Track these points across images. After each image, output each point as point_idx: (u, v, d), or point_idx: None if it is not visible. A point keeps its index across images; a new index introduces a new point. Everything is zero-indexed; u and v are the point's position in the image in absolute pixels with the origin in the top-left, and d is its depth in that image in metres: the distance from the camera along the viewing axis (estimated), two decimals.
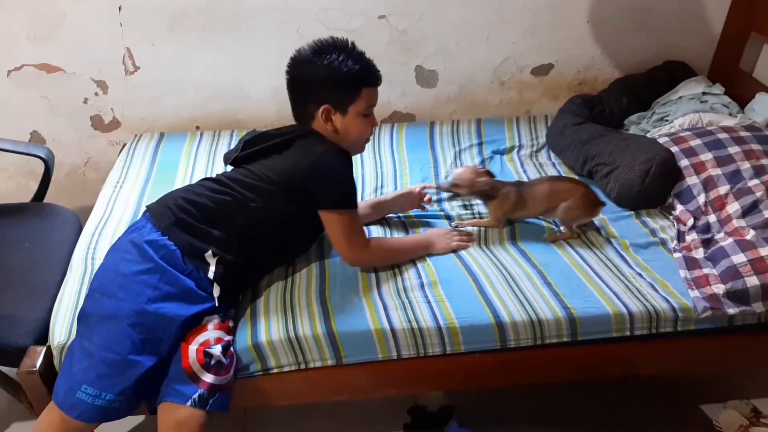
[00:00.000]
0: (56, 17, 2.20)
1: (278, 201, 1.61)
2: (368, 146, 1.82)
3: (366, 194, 2.10)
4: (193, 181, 2.06)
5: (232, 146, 2.32)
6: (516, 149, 2.36)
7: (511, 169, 2.25)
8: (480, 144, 2.39)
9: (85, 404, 1.40)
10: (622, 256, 1.82)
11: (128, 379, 1.42)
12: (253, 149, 1.69)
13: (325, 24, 2.32)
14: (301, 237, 1.76)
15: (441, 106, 2.57)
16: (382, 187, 2.15)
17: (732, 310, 1.64)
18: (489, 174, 1.89)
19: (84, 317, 1.51)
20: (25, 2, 2.17)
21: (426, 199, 1.98)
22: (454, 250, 1.82)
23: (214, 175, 1.75)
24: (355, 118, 1.64)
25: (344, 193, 1.63)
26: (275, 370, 1.62)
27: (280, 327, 1.59)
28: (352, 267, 1.74)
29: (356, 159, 2.00)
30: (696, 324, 1.68)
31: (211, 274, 1.55)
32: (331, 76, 1.58)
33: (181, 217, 1.57)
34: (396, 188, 2.14)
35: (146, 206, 1.65)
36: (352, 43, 1.62)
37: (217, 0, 2.23)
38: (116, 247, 1.60)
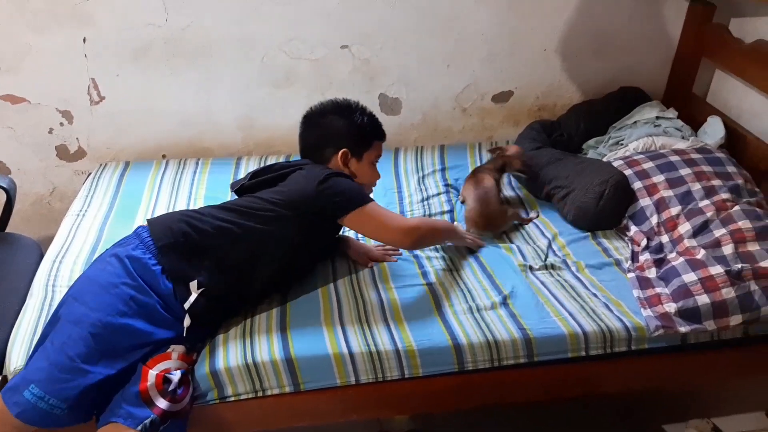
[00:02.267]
0: (21, 49, 2.22)
1: (283, 223, 1.65)
2: None
3: None
4: (156, 213, 2.11)
5: (197, 175, 2.35)
6: None
7: None
8: (443, 169, 2.43)
9: (28, 404, 1.38)
10: (577, 277, 1.86)
11: (75, 388, 1.40)
12: (259, 179, 1.77)
13: (289, 54, 2.36)
14: (295, 271, 1.79)
15: (405, 132, 2.61)
16: None
17: (684, 329, 1.68)
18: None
19: (53, 320, 1.52)
20: None
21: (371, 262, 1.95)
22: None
23: (189, 207, 1.77)
24: (368, 165, 1.86)
25: (355, 193, 1.71)
26: (232, 398, 1.62)
27: (238, 353, 1.59)
28: (411, 250, 1.92)
29: None
30: (650, 343, 1.71)
31: (187, 304, 1.56)
32: (352, 127, 1.81)
33: (180, 240, 1.59)
34: None
35: (147, 220, 1.67)
36: (364, 105, 1.88)
37: (181, 31, 2.26)
38: (100, 258, 1.63)
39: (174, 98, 2.40)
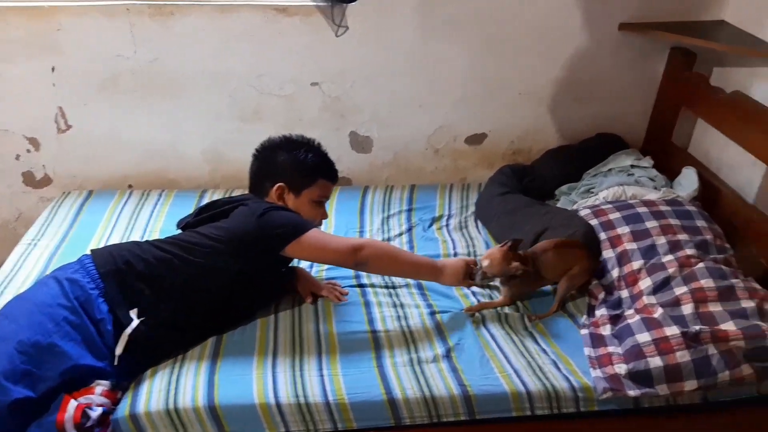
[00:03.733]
0: None
1: (224, 259, 1.64)
2: None
3: None
4: (109, 242, 2.07)
5: (159, 206, 2.33)
6: (445, 217, 2.34)
7: (438, 238, 2.22)
8: (410, 210, 2.37)
9: None
10: (530, 331, 1.78)
11: None
12: (204, 215, 1.76)
13: (258, 89, 2.34)
14: (238, 306, 1.75)
15: (377, 171, 2.57)
16: None
17: (633, 392, 1.58)
18: (515, 244, 1.80)
19: None
20: None
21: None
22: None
23: (144, 239, 1.81)
24: (307, 203, 1.80)
25: (293, 223, 1.68)
26: None
27: (161, 397, 1.53)
28: (357, 269, 1.86)
29: None
30: (600, 405, 1.62)
31: (129, 329, 1.55)
32: (293, 162, 1.78)
33: (122, 267, 1.59)
34: None
35: (91, 250, 1.68)
36: (318, 143, 1.85)
37: (149, 63, 2.26)
38: (39, 281, 1.64)
39: (141, 129, 2.39)
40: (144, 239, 2.06)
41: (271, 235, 1.64)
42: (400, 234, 2.24)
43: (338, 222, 2.28)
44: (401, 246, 2.16)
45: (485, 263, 1.78)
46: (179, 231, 1.81)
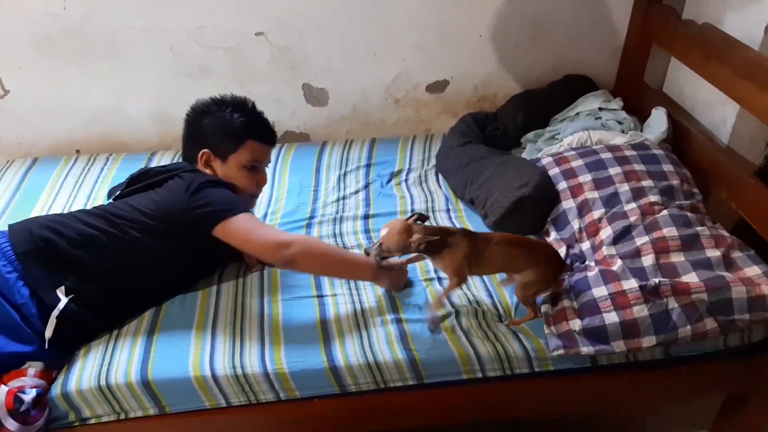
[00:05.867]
0: None
1: (156, 235, 1.53)
2: None
3: None
4: (51, 211, 1.98)
5: (106, 170, 2.23)
6: (405, 172, 2.23)
7: (396, 193, 2.12)
8: (368, 166, 2.26)
9: None
10: (488, 290, 1.69)
11: None
12: (137, 185, 1.64)
13: (200, 42, 2.20)
14: (168, 285, 1.66)
15: (335, 125, 2.45)
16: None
17: (587, 349, 1.51)
18: (422, 218, 1.55)
19: None
20: None
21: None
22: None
23: (87, 206, 1.71)
24: (237, 169, 1.65)
25: (223, 203, 1.53)
26: (93, 420, 1.50)
27: (92, 374, 1.46)
28: (284, 268, 1.67)
29: None
30: (555, 364, 1.55)
31: (56, 311, 1.46)
32: (217, 124, 1.63)
33: (41, 245, 1.48)
34: (266, 215, 2.02)
35: (8, 225, 1.55)
36: (253, 103, 1.69)
37: (83, 21, 2.12)
38: None
39: (82, 91, 2.27)
40: (88, 206, 1.99)
41: (198, 214, 1.51)
42: (356, 192, 2.13)
43: (292, 182, 2.17)
44: (355, 206, 2.06)
45: (383, 232, 1.51)
46: (111, 201, 1.71)
